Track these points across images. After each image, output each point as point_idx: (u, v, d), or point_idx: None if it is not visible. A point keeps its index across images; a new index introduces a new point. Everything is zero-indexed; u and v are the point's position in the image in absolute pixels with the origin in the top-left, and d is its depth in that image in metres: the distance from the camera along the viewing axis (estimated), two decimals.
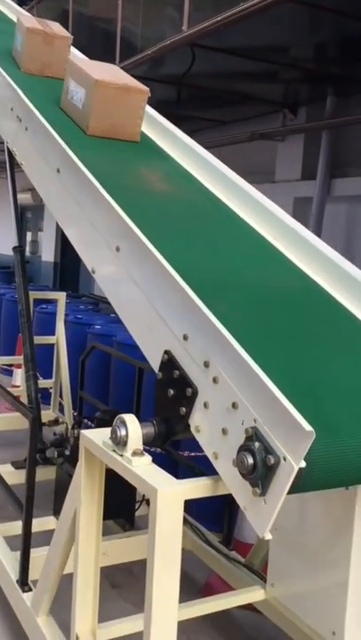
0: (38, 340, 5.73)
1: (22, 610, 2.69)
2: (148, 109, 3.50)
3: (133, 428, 1.86)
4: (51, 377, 5.46)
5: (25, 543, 2.73)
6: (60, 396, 5.34)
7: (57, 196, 2.84)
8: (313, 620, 2.28)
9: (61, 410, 5.32)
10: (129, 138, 3.33)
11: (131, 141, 3.34)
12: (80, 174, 2.54)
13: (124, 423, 1.87)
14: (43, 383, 5.51)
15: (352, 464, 1.57)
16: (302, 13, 4.10)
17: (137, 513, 3.53)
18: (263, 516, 1.53)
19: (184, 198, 3.05)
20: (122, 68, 5.66)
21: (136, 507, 3.50)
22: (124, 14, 5.58)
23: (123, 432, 1.86)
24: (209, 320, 1.74)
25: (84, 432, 2.09)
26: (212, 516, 3.61)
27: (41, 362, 6.36)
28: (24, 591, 2.70)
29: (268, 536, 1.53)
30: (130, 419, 1.88)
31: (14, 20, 5.11)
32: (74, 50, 4.21)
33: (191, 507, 3.72)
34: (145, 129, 3.48)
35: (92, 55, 6.21)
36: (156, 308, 2.03)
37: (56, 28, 4.14)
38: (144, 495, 3.32)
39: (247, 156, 7.22)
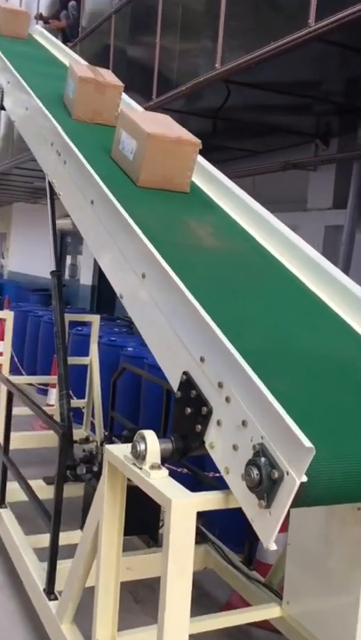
0: (73, 360, 5.93)
1: (47, 617, 2.82)
2: (199, 159, 3.50)
3: (152, 443, 1.99)
4: (84, 397, 5.62)
5: (52, 554, 2.87)
6: (93, 416, 5.50)
7: (90, 225, 3.02)
8: (326, 638, 2.35)
9: (93, 429, 5.48)
10: (179, 189, 3.34)
11: (181, 192, 3.36)
12: (110, 205, 2.72)
13: (143, 438, 2.01)
14: (76, 403, 5.70)
15: (354, 481, 1.67)
16: (332, 52, 4.25)
17: (161, 531, 3.63)
18: (268, 527, 1.64)
19: (232, 252, 3.00)
20: (159, 102, 5.94)
21: (160, 524, 3.59)
22: (161, 49, 5.83)
23: (142, 447, 2.00)
24: (223, 344, 1.87)
25: (108, 447, 2.23)
26: (235, 537, 3.68)
27: (75, 382, 6.57)
28: (50, 599, 2.83)
29: (273, 547, 1.64)
30: (149, 434, 2.01)
31: (65, 62, 5.45)
32: (125, 97, 4.31)
33: (215, 527, 3.82)
34: (195, 178, 3.52)
35: (131, 89, 6.52)
36: (176, 332, 2.17)
37: (108, 75, 4.25)
38: None
39: (280, 184, 7.37)
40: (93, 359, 5.47)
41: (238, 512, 1.86)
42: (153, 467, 1.97)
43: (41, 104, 3.93)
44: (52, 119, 3.64)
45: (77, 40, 8.02)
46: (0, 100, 5.06)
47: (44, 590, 2.90)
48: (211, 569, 3.51)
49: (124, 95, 4.30)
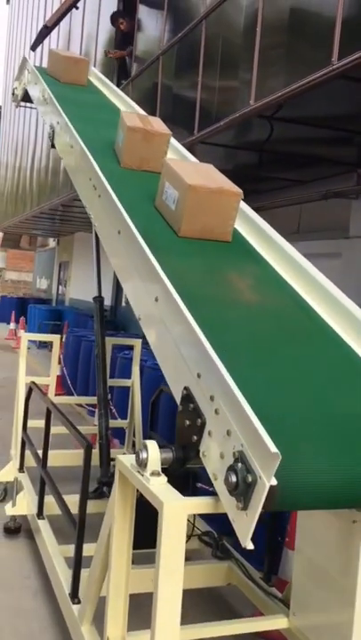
0: (116, 382, 6.20)
1: (71, 619, 3.01)
2: (243, 207, 3.52)
3: (153, 452, 2.18)
4: (127, 417, 5.84)
5: (76, 562, 3.07)
6: (134, 435, 5.70)
7: (117, 254, 3.27)
8: None
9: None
10: (221, 238, 3.36)
11: (223, 241, 3.37)
12: (135, 240, 2.94)
13: (145, 448, 2.19)
14: (120, 423, 5.94)
15: (325, 488, 1.81)
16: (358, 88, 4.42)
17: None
18: (245, 527, 1.79)
19: (270, 308, 2.91)
20: (199, 137, 6.22)
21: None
22: (203, 87, 6.13)
23: (144, 455, 2.19)
24: (214, 362, 2.06)
25: (119, 457, 2.42)
26: (259, 556, 3.78)
27: (120, 403, 6.82)
28: (74, 603, 3.02)
29: (250, 546, 1.79)
30: (151, 444, 2.20)
31: (120, 106, 5.80)
32: (174, 142, 4.44)
33: (239, 545, 3.93)
34: (239, 226, 3.54)
35: (175, 123, 6.85)
36: (180, 352, 2.36)
37: (156, 124, 4.39)
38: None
39: (324, 212, 7.50)
40: (135, 381, 5.69)
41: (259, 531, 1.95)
42: (153, 473, 2.16)
43: (88, 153, 4.01)
44: (96, 168, 3.73)
45: (130, 79, 8.45)
46: (51, 138, 5.44)
47: (69, 595, 3.09)
48: (234, 585, 3.61)
49: (173, 141, 4.44)
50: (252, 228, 3.54)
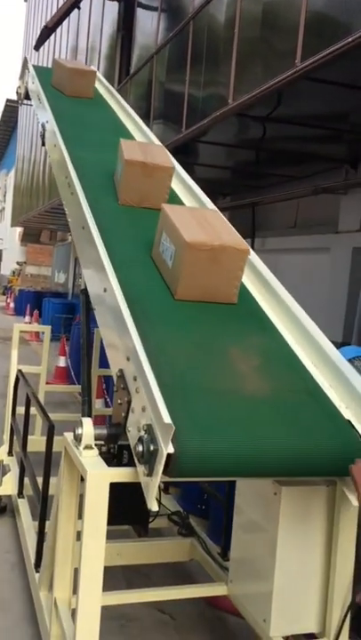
0: (107, 372, 6.42)
1: (33, 585, 3.27)
2: (254, 260, 3.20)
3: (87, 428, 2.40)
4: None
5: (39, 534, 3.31)
6: None
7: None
8: (252, 610, 2.66)
9: None
10: (225, 300, 2.96)
11: (228, 304, 2.96)
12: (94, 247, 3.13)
13: (81, 424, 2.42)
14: (111, 411, 6.17)
15: (221, 458, 2.02)
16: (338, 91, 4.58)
17: (153, 525, 3.99)
18: (151, 491, 2.01)
19: (273, 396, 2.46)
20: (185, 135, 6.42)
21: (151, 519, 3.95)
22: (190, 83, 6.34)
23: (80, 431, 2.41)
24: (135, 348, 2.28)
25: (65, 434, 2.65)
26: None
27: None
28: (36, 572, 3.27)
29: (155, 507, 2.01)
30: (86, 421, 2.42)
31: (127, 123, 5.43)
32: (180, 172, 4.06)
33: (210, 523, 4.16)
34: (247, 282, 3.20)
35: (167, 118, 7.06)
36: (119, 336, 2.58)
37: (158, 155, 3.99)
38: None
39: (315, 208, 7.66)
40: None
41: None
42: (86, 447, 2.38)
43: (80, 191, 3.65)
44: (86, 211, 3.36)
45: (129, 77, 8.67)
46: (42, 137, 5.68)
47: (34, 564, 3.34)
48: (197, 560, 3.83)
49: (179, 170, 4.08)
50: (261, 283, 3.20)
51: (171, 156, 4.06)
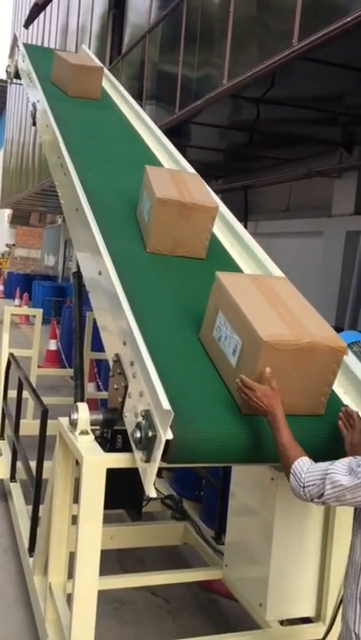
0: (100, 355, 6.39)
1: (27, 570, 3.26)
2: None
3: (83, 414, 2.37)
4: None
5: (33, 519, 3.30)
6: None
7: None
8: (248, 594, 2.66)
9: None
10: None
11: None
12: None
13: (76, 409, 2.39)
14: (104, 395, 6.14)
15: (216, 444, 2.00)
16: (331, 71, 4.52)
17: (147, 509, 3.98)
18: (149, 477, 1.99)
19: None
20: (180, 115, 6.33)
21: (144, 503, 3.95)
22: (184, 63, 6.24)
23: (75, 416, 2.38)
24: (132, 332, 2.24)
25: (60, 419, 2.62)
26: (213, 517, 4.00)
27: (106, 375, 7.02)
28: (30, 556, 3.26)
29: (153, 494, 1.99)
30: (82, 406, 2.39)
31: (139, 129, 4.91)
32: (226, 213, 3.53)
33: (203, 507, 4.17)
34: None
35: (159, 99, 6.96)
36: (115, 320, 2.55)
37: (197, 190, 3.27)
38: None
39: (309, 191, 7.61)
40: None
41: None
42: (82, 432, 2.35)
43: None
44: (104, 254, 2.80)
45: (120, 57, 8.54)
46: (32, 117, 5.58)
47: (28, 549, 3.32)
48: (190, 544, 3.84)
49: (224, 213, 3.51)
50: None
51: (209, 189, 3.49)
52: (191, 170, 3.90)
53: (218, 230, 3.43)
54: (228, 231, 3.48)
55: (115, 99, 5.54)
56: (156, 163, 4.32)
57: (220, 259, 3.24)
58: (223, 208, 3.50)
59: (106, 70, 5.67)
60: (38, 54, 6.74)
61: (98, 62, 6.15)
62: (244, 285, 2.43)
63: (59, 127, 4.28)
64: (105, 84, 5.70)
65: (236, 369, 2.22)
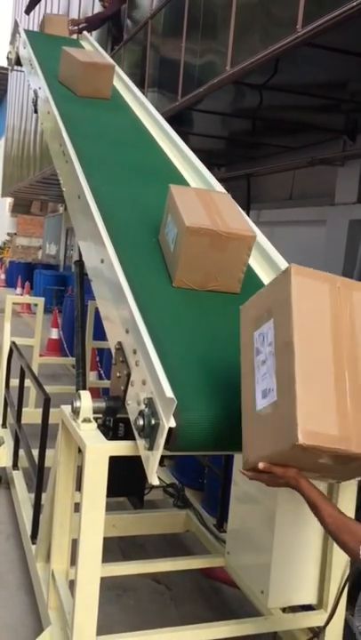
0: (101, 344, 6.39)
1: (30, 557, 3.27)
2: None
3: (85, 402, 2.37)
4: None
5: (35, 506, 3.30)
6: None
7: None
8: (249, 581, 2.67)
9: None
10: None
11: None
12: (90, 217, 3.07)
13: (79, 397, 2.38)
14: (105, 383, 6.16)
15: (218, 431, 1.99)
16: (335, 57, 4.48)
17: (149, 497, 4.00)
18: (151, 465, 1.99)
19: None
20: (183, 102, 6.28)
21: (146, 491, 3.96)
22: (187, 49, 6.19)
23: (78, 404, 2.37)
24: (135, 320, 2.23)
25: (62, 407, 2.62)
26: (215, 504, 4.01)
27: (108, 364, 7.03)
28: (33, 543, 3.27)
29: (156, 481, 1.99)
30: (84, 394, 2.39)
31: (155, 134, 4.59)
32: (265, 242, 3.13)
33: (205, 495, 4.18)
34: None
35: (161, 86, 6.91)
36: (117, 308, 2.54)
37: (231, 216, 2.85)
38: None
39: (312, 180, 7.57)
40: None
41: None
42: (85, 420, 2.35)
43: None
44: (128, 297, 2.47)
45: (122, 43, 8.47)
46: (34, 104, 5.54)
47: (30, 536, 3.33)
48: (192, 531, 3.85)
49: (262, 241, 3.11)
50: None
51: (242, 211, 3.06)
52: (219, 187, 3.60)
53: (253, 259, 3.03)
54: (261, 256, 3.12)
55: (126, 98, 5.24)
56: (177, 175, 3.95)
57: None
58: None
59: (117, 67, 5.38)
60: (40, 41, 6.69)
61: (108, 59, 5.91)
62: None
63: (67, 131, 3.97)
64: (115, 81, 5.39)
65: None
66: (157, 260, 2.94)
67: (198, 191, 3.17)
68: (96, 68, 5.03)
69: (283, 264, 2.93)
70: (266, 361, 1.81)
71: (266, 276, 3.00)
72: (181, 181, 3.84)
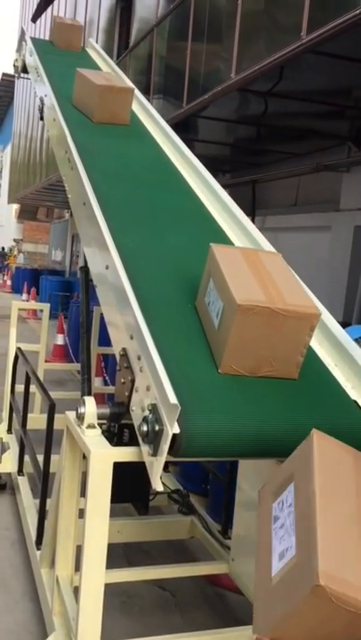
0: (106, 350, 6.41)
1: (34, 563, 3.28)
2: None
3: (90, 407, 2.37)
4: None
5: (40, 512, 3.31)
6: None
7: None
8: (250, 589, 2.66)
9: None
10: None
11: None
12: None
13: (84, 403, 2.39)
14: (111, 389, 6.16)
15: (223, 438, 2.00)
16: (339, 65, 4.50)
17: (153, 503, 4.00)
18: (155, 471, 1.99)
19: None
20: (188, 109, 6.31)
21: (151, 497, 3.96)
22: (192, 57, 6.22)
23: (82, 410, 2.38)
24: (139, 326, 2.24)
25: (67, 412, 2.62)
26: (220, 511, 4.00)
27: (113, 370, 7.04)
28: (37, 549, 3.28)
29: (160, 487, 1.99)
30: (89, 400, 2.39)
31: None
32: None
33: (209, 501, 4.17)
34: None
35: (167, 93, 6.94)
36: (122, 314, 2.55)
37: (287, 289, 2.36)
38: None
39: (317, 186, 7.58)
40: None
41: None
42: (89, 426, 2.36)
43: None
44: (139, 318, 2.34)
45: (128, 51, 8.52)
46: (40, 111, 5.57)
47: (35, 542, 3.34)
48: (197, 538, 3.84)
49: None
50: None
51: (300, 281, 2.62)
52: (265, 243, 3.10)
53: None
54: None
55: (146, 124, 4.81)
56: (211, 221, 3.49)
57: (316, 376, 2.45)
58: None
59: (136, 91, 4.97)
60: (46, 49, 6.72)
61: (128, 81, 5.43)
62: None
63: (85, 168, 3.57)
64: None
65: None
66: (196, 334, 2.49)
67: (245, 252, 2.68)
68: (114, 93, 4.62)
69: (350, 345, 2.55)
70: (284, 524, 1.70)
71: (327, 356, 2.61)
72: (213, 226, 3.43)
